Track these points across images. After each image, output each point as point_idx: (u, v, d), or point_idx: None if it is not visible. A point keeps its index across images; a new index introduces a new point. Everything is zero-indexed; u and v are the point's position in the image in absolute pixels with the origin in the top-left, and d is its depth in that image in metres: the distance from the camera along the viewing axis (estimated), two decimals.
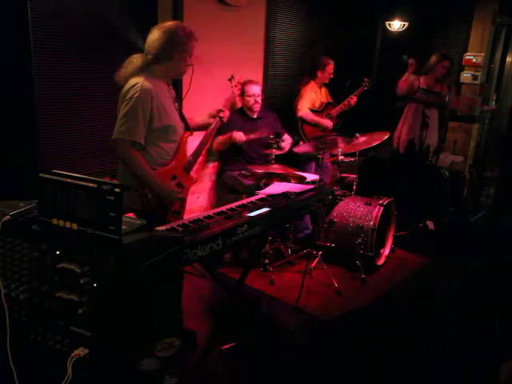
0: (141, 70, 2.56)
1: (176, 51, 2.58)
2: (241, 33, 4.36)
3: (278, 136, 4.11)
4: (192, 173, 2.88)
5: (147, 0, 3.59)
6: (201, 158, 3.20)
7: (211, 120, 3.03)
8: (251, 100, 4.11)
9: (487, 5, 5.53)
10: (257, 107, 4.15)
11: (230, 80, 3.39)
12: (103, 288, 1.40)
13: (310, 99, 4.74)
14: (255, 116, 4.20)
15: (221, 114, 3.00)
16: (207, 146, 3.43)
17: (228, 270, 3.75)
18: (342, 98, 4.80)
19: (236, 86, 3.36)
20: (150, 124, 2.54)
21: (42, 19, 3.01)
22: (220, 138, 4.04)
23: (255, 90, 4.12)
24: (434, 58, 4.99)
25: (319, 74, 4.74)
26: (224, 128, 3.68)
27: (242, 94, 4.10)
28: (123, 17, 3.40)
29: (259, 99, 4.13)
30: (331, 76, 4.76)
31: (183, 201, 2.82)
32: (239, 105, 4.28)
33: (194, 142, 2.91)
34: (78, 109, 3.33)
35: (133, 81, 2.51)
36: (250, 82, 4.17)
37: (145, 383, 1.55)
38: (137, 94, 2.46)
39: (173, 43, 2.55)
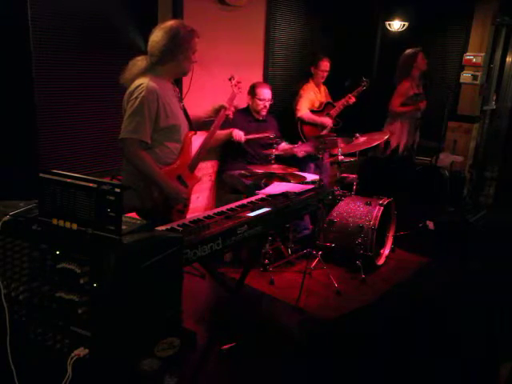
0: (145, 71, 2.57)
1: (180, 50, 2.58)
2: (241, 33, 4.36)
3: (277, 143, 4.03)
4: (196, 172, 2.90)
5: (147, 0, 3.59)
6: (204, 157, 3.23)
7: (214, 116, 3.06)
8: (261, 104, 4.08)
9: (487, 5, 5.53)
10: (264, 111, 4.13)
11: (229, 80, 3.41)
12: (103, 288, 1.40)
13: (309, 99, 4.73)
14: (260, 118, 4.18)
15: (227, 112, 3.03)
16: (210, 145, 3.45)
17: (228, 269, 3.75)
18: (342, 98, 4.80)
19: (236, 86, 3.38)
20: (156, 123, 2.55)
21: (41, 19, 3.01)
22: (219, 133, 4.03)
23: (267, 94, 4.08)
24: (409, 56, 4.87)
25: (313, 70, 4.72)
26: (228, 126, 3.68)
27: (254, 95, 4.08)
28: (123, 16, 3.39)
29: (268, 104, 4.11)
30: (325, 74, 4.72)
31: (187, 200, 2.83)
32: (241, 105, 4.26)
33: (197, 140, 2.93)
34: (78, 109, 3.33)
35: (138, 81, 2.52)
36: (263, 85, 4.14)
37: (145, 383, 1.55)
38: (143, 94, 2.47)
39: (176, 43, 2.56)
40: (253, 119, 4.17)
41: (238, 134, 3.91)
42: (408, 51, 4.91)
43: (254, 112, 4.16)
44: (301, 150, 4.16)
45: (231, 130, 3.90)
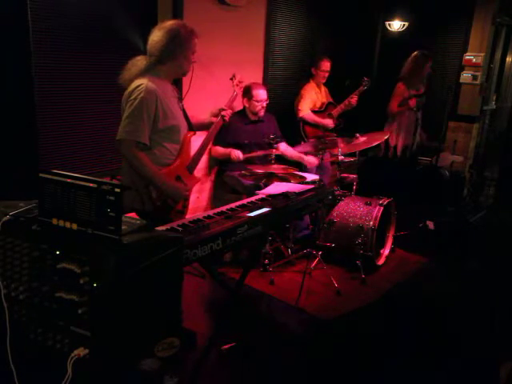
0: (145, 72, 2.56)
1: (179, 50, 2.58)
2: (241, 33, 4.36)
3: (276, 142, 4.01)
4: (195, 172, 2.90)
5: (147, 0, 3.59)
6: (203, 158, 3.22)
7: (213, 119, 3.05)
8: (259, 105, 4.05)
9: (487, 5, 5.53)
10: (262, 112, 4.12)
11: (231, 79, 3.40)
12: (103, 288, 1.39)
13: (311, 99, 4.74)
14: (257, 119, 4.17)
15: (223, 113, 3.02)
16: (209, 146, 3.45)
17: (228, 269, 3.75)
18: (343, 97, 4.80)
19: (237, 86, 3.37)
20: (155, 124, 2.54)
21: (41, 19, 3.01)
22: (220, 150, 4.06)
23: (263, 95, 4.06)
24: (418, 60, 4.82)
25: (313, 71, 4.74)
26: (225, 130, 3.68)
27: (250, 97, 4.05)
28: (123, 16, 3.40)
29: (265, 104, 4.10)
30: (326, 74, 4.74)
31: (186, 200, 2.83)
32: (240, 106, 4.25)
33: (196, 141, 2.92)
34: (78, 109, 3.33)
35: (137, 82, 2.52)
36: (258, 86, 4.12)
37: (145, 383, 1.55)
38: (141, 95, 2.46)
39: (176, 43, 2.55)
40: (249, 121, 4.15)
41: (236, 155, 3.94)
42: (418, 54, 4.83)
43: (251, 113, 4.14)
44: (310, 160, 4.19)
45: (229, 150, 3.96)
